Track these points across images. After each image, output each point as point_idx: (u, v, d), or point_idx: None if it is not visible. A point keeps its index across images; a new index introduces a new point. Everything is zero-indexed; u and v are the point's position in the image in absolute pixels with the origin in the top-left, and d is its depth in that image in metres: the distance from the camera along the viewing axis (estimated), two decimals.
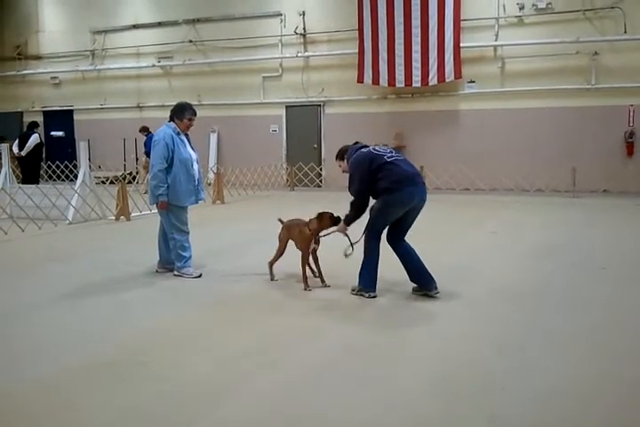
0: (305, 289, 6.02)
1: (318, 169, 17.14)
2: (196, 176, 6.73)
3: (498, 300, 5.68)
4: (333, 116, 17.24)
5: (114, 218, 11.12)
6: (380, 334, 4.79)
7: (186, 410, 3.45)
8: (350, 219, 5.72)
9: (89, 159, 11.60)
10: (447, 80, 15.55)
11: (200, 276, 6.65)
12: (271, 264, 6.46)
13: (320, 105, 17.47)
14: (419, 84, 15.74)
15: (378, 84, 16.06)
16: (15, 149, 14.38)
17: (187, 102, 6.88)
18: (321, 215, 6.02)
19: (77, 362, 4.21)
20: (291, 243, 6.35)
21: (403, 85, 15.83)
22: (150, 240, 7.20)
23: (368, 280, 5.74)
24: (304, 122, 17.68)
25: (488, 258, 7.56)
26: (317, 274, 6.24)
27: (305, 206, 12.60)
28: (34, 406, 3.54)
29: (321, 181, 17.18)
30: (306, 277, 6.11)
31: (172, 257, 6.72)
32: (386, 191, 5.46)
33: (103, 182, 14.48)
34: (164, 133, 6.55)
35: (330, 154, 17.04)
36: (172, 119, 6.72)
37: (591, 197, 13.74)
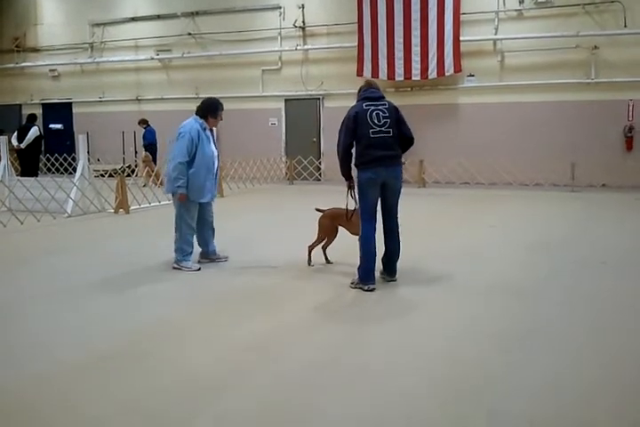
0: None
1: (317, 162, 17.13)
2: (215, 174, 6.77)
3: (496, 294, 5.69)
4: (333, 109, 17.17)
5: (113, 211, 11.12)
6: (378, 329, 4.80)
7: (185, 405, 3.45)
8: (343, 172, 5.93)
9: (88, 152, 11.58)
10: (447, 74, 15.53)
11: (199, 269, 6.66)
12: (310, 250, 6.73)
13: (319, 98, 17.44)
14: (418, 78, 15.73)
15: (377, 77, 15.99)
16: (14, 141, 14.35)
17: (215, 98, 6.86)
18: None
19: (76, 356, 4.21)
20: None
21: (402, 79, 15.82)
22: (149, 233, 7.21)
23: (364, 272, 5.77)
24: (303, 115, 17.65)
25: (487, 252, 7.57)
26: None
27: (305, 200, 12.61)
28: (32, 401, 3.53)
29: (320, 175, 17.16)
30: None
31: (174, 248, 6.75)
32: (357, 167, 5.78)
33: (102, 175, 14.47)
34: (190, 127, 6.54)
35: (329, 147, 17.04)
36: (203, 116, 6.67)
37: (590, 191, 13.74)
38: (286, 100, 17.81)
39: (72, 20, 20.20)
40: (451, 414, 3.34)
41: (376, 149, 5.67)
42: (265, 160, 16.50)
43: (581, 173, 13.95)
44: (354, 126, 5.69)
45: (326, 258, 6.78)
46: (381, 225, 5.98)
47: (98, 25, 19.79)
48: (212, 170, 6.69)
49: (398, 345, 4.41)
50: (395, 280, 6.02)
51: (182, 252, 6.68)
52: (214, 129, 6.96)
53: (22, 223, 9.66)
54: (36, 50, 20.92)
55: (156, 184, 14.48)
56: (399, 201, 5.97)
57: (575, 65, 14.72)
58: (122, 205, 11.13)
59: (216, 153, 6.77)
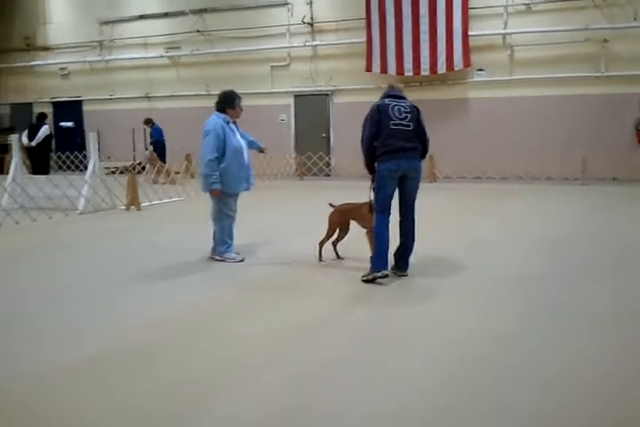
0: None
1: (327, 158, 17.15)
2: (247, 163, 6.86)
3: (507, 288, 5.69)
4: (342, 105, 17.20)
5: (124, 208, 11.18)
6: (388, 325, 4.82)
7: (190, 404, 3.42)
8: (367, 164, 6.03)
9: (98, 149, 11.65)
10: (456, 68, 15.51)
11: (243, 260, 6.83)
12: (321, 245, 6.74)
13: (328, 94, 17.45)
14: (427, 73, 15.71)
15: (386, 72, 16.02)
16: (25, 139, 14.43)
17: (232, 90, 6.92)
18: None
19: (85, 352, 4.24)
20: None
21: (411, 74, 15.80)
22: (165, 228, 7.27)
23: (377, 258, 5.82)
24: (312, 111, 17.66)
25: (497, 246, 7.57)
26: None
27: (315, 196, 12.64)
28: (34, 400, 3.52)
29: (330, 171, 17.18)
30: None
31: (215, 241, 6.89)
32: (378, 159, 5.85)
33: (113, 173, 14.56)
34: (214, 124, 6.62)
35: (339, 143, 17.08)
36: (222, 110, 6.75)
37: (601, 185, 13.70)
38: (295, 97, 17.83)
39: (81, 18, 20.29)
40: (462, 411, 3.31)
41: (396, 140, 5.78)
42: (275, 156, 16.49)
43: (592, 166, 13.90)
44: (377, 117, 5.83)
45: (337, 253, 6.80)
46: (397, 220, 6.02)
47: (107, 23, 19.86)
48: (243, 161, 6.80)
49: (412, 340, 4.41)
50: (406, 275, 6.04)
51: (224, 244, 6.84)
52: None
53: (34, 220, 9.74)
54: (45, 48, 21.02)
55: (164, 182, 14.59)
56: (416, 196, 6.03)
57: (585, 59, 14.66)
58: (133, 201, 11.19)
59: (244, 144, 6.86)
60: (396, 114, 5.81)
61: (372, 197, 6.05)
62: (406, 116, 5.83)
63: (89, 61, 20.24)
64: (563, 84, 14.91)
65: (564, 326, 4.58)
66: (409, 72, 15.82)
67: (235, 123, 6.89)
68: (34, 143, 14.50)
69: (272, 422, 3.24)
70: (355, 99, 16.77)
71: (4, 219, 9.36)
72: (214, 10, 18.26)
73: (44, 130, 14.76)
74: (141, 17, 19.35)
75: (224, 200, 6.77)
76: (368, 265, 5.93)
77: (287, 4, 17.45)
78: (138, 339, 4.47)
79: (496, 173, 14.94)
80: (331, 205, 6.80)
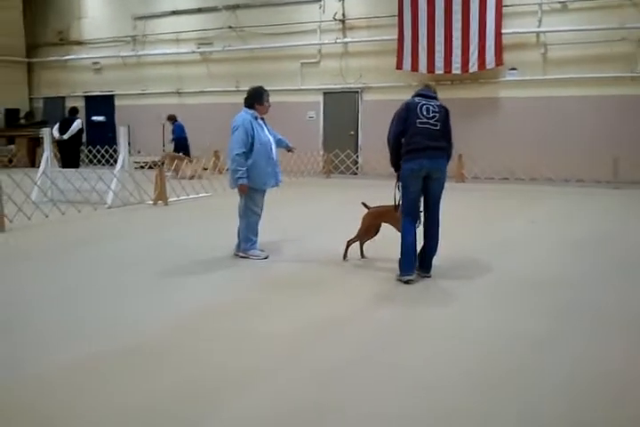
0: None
1: (355, 156, 17.09)
2: (275, 159, 6.86)
3: (529, 290, 5.60)
4: (371, 102, 17.13)
5: (152, 202, 11.26)
6: (409, 325, 4.77)
7: (206, 403, 3.41)
8: (392, 162, 6.01)
9: (128, 144, 11.74)
10: (488, 67, 15.33)
11: (267, 257, 6.82)
12: (348, 245, 6.71)
13: (358, 92, 17.37)
14: (459, 71, 15.54)
15: (417, 70, 15.90)
16: (56, 133, 14.57)
17: (260, 86, 6.93)
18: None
19: (96, 350, 4.24)
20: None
21: (442, 72, 15.65)
22: (187, 224, 7.31)
23: (401, 264, 5.82)
24: (341, 109, 17.60)
25: (526, 247, 7.46)
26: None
27: (341, 194, 12.61)
28: (35, 400, 3.50)
29: (357, 169, 17.13)
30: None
31: (239, 238, 6.90)
32: (402, 157, 5.84)
33: (142, 167, 14.67)
34: (242, 119, 6.64)
35: (367, 141, 17.01)
36: (250, 106, 6.76)
37: (633, 188, 13.43)
38: (325, 94, 17.79)
39: (115, 13, 20.49)
40: (479, 414, 3.28)
41: (422, 139, 5.74)
42: (302, 153, 16.49)
43: (624, 169, 13.63)
44: (405, 115, 5.81)
45: (362, 252, 6.76)
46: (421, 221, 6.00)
47: (140, 18, 20.02)
48: (271, 156, 6.80)
49: (431, 340, 4.38)
50: (429, 276, 5.99)
51: (248, 240, 6.84)
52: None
53: (64, 214, 9.84)
54: (79, 43, 21.28)
55: (192, 176, 14.72)
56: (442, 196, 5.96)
57: (620, 58, 14.37)
58: (161, 196, 11.26)
59: (272, 139, 6.86)
60: (424, 113, 5.78)
61: (398, 197, 6.00)
62: (434, 116, 5.79)
63: (122, 56, 20.43)
64: (597, 84, 14.64)
65: (585, 328, 4.50)
66: (440, 70, 15.66)
67: (263, 119, 6.88)
68: (66, 136, 14.64)
69: (288, 419, 3.23)
70: (384, 97, 16.66)
71: (34, 212, 9.48)
72: (247, 6, 18.30)
73: (77, 124, 14.88)
74: (174, 13, 19.46)
75: (251, 196, 6.76)
76: (394, 265, 5.91)
77: (319, 0, 17.41)
78: (150, 337, 4.47)
79: (525, 174, 14.74)
80: (364, 204, 6.75)
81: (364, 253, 6.77)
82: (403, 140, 5.85)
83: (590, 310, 5.00)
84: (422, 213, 5.99)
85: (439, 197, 5.95)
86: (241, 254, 6.88)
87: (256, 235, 6.90)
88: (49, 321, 4.81)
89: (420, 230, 5.95)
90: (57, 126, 14.68)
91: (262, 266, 6.60)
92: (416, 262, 5.89)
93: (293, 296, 5.50)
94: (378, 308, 5.20)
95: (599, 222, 9.26)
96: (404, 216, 5.89)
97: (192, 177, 14.87)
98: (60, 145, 14.68)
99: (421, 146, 5.72)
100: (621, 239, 7.98)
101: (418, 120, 5.76)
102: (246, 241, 6.86)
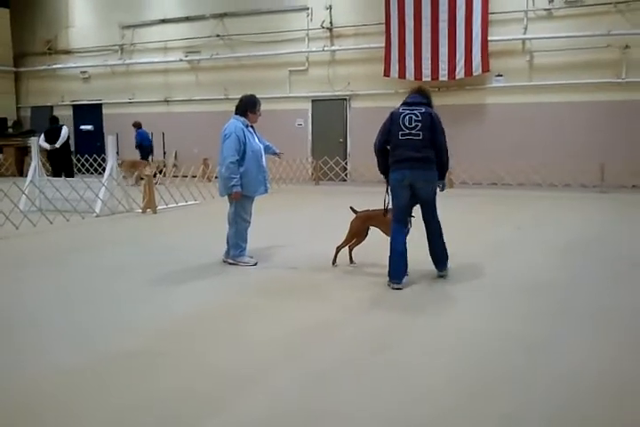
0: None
1: (343, 163, 17.14)
2: (265, 166, 6.92)
3: (519, 295, 5.63)
4: (359, 110, 17.21)
5: (140, 211, 11.24)
6: (399, 327, 4.78)
7: (195, 407, 3.42)
8: (379, 169, 6.16)
9: (117, 153, 11.72)
10: (474, 74, 15.45)
11: (256, 264, 6.83)
12: (338, 250, 6.74)
13: (346, 99, 17.45)
14: (446, 78, 15.65)
15: (404, 77, 16.00)
16: (44, 144, 14.45)
17: (252, 95, 6.96)
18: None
19: (93, 354, 4.24)
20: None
21: (429, 79, 15.74)
22: (176, 231, 7.30)
23: (390, 271, 5.85)
24: (330, 116, 17.68)
25: (513, 252, 7.50)
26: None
27: (330, 200, 12.63)
28: (35, 402, 3.53)
29: (346, 175, 17.17)
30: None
31: (229, 244, 6.91)
32: (389, 166, 5.97)
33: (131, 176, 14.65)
34: (234, 127, 6.67)
35: (355, 148, 17.06)
36: (242, 113, 6.80)
37: (620, 192, 13.54)
38: (313, 101, 17.86)
39: (102, 22, 20.50)
40: (465, 415, 3.29)
41: (403, 151, 5.80)
42: (291, 160, 16.54)
43: (611, 174, 13.75)
44: (389, 127, 5.91)
45: (351, 258, 6.78)
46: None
47: (128, 27, 20.04)
48: (262, 164, 6.85)
49: (416, 344, 4.39)
50: (442, 276, 6.13)
51: (238, 247, 6.85)
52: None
53: (52, 223, 9.81)
54: (67, 52, 21.27)
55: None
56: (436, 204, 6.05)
57: (606, 65, 14.53)
58: (149, 204, 11.24)
59: (262, 147, 6.92)
60: (406, 124, 5.80)
61: (389, 202, 6.06)
62: (416, 126, 5.78)
63: (110, 65, 20.45)
64: (583, 90, 14.79)
65: (577, 330, 4.53)
66: (427, 77, 15.76)
67: (252, 127, 6.91)
68: (58, 144, 14.55)
69: (283, 421, 3.25)
70: (372, 104, 16.77)
71: (22, 221, 9.44)
72: (234, 14, 18.36)
73: (65, 131, 14.81)
74: (162, 21, 19.51)
75: (242, 203, 6.78)
76: (383, 270, 5.94)
77: (307, 8, 17.50)
78: (145, 342, 4.47)
79: (513, 179, 14.83)
80: (352, 209, 6.79)
81: (353, 258, 6.78)
82: (389, 147, 5.92)
83: (585, 312, 5.04)
84: (413, 219, 6.08)
85: (431, 204, 6.00)
86: (230, 261, 6.89)
87: (245, 242, 6.91)
88: (44, 327, 4.80)
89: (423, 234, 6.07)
90: (42, 138, 14.39)
91: (251, 272, 6.61)
92: (406, 269, 5.88)
93: (284, 302, 5.51)
94: (369, 312, 5.21)
95: (588, 226, 9.32)
96: (393, 222, 5.95)
97: (138, 181, 14.96)
98: (51, 155, 14.55)
99: (402, 157, 5.81)
100: (611, 242, 8.04)
101: (400, 132, 5.80)
102: (235, 248, 6.87)
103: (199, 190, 12.76)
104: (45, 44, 21.37)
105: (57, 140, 14.41)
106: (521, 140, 15.35)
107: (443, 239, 6.09)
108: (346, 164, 17.22)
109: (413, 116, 5.80)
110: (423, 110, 5.86)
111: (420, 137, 5.77)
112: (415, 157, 5.77)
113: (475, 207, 11.77)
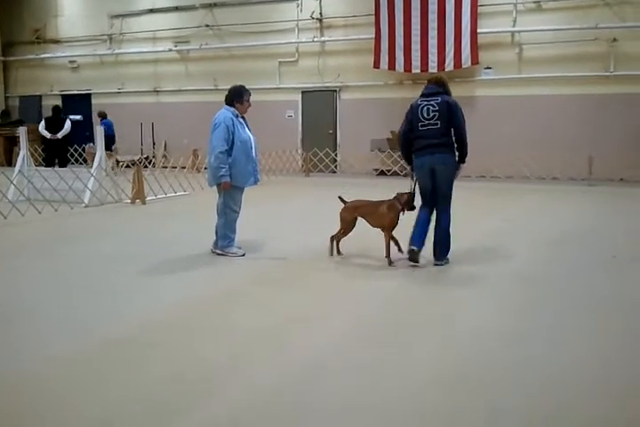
0: (390, 264, 6.39)
1: (333, 155, 17.14)
2: (255, 157, 6.92)
3: (518, 285, 5.72)
4: (349, 101, 17.20)
5: (129, 201, 11.23)
6: (390, 319, 4.84)
7: (186, 395, 3.45)
8: (403, 157, 6.69)
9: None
10: (464, 66, 15.47)
11: (244, 255, 6.86)
12: (332, 240, 6.78)
13: (336, 90, 17.43)
14: (435, 70, 15.62)
15: (394, 69, 16.02)
16: (45, 132, 14.44)
17: (241, 85, 6.97)
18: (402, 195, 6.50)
19: (83, 347, 4.29)
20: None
21: (419, 71, 15.75)
22: (164, 222, 7.32)
23: (411, 235, 6.26)
24: (320, 107, 17.66)
25: (500, 245, 7.57)
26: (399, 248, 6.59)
27: (320, 192, 12.66)
28: (32, 396, 3.55)
29: (336, 167, 17.19)
30: (389, 252, 6.43)
31: (217, 235, 6.94)
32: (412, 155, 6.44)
33: (128, 166, 14.60)
34: (224, 117, 6.70)
35: (345, 139, 17.08)
36: (230, 104, 6.82)
37: (607, 185, 13.65)
38: (303, 92, 17.83)
39: (91, 11, 20.35)
40: (452, 409, 3.31)
41: (423, 140, 6.25)
42: (281, 152, 16.55)
43: (599, 167, 13.83)
44: (410, 117, 6.33)
45: (338, 249, 6.81)
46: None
47: (117, 17, 19.90)
48: (251, 155, 6.86)
49: (416, 335, 4.43)
50: (440, 264, 6.35)
51: (226, 238, 6.88)
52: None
53: (40, 213, 9.79)
54: (56, 41, 21.10)
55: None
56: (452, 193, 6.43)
57: (594, 58, 14.59)
58: (138, 195, 11.24)
59: (253, 138, 6.93)
60: (425, 115, 6.20)
61: (414, 187, 6.44)
62: (434, 115, 6.17)
63: (99, 55, 20.31)
64: (571, 83, 14.85)
65: (577, 320, 4.60)
66: (416, 69, 15.78)
67: (244, 118, 6.92)
68: (60, 136, 14.53)
69: (274, 409, 3.29)
70: (362, 95, 16.79)
71: (11, 211, 9.42)
72: (224, 4, 18.28)
73: (69, 124, 14.84)
74: (151, 11, 19.38)
75: (231, 194, 6.81)
76: (372, 262, 6.01)
77: None
78: (135, 333, 4.51)
79: (501, 172, 14.90)
80: (340, 198, 6.82)
81: (340, 249, 6.82)
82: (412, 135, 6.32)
83: (583, 302, 5.12)
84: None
85: (445, 189, 6.37)
86: (218, 252, 6.92)
87: (234, 232, 6.94)
88: (35, 316, 4.84)
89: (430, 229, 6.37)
90: (43, 124, 14.50)
91: (240, 263, 6.64)
92: (425, 237, 6.27)
93: (273, 292, 5.56)
94: (359, 303, 5.25)
95: (578, 218, 9.40)
96: (420, 208, 6.41)
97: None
98: (50, 144, 14.52)
99: (423, 145, 6.24)
100: (602, 234, 8.16)
101: (420, 123, 6.22)
102: (224, 239, 6.90)
103: (188, 181, 12.76)
104: (34, 33, 21.17)
105: (59, 130, 14.44)
106: (509, 132, 15.40)
107: (449, 233, 6.36)
108: (336, 155, 17.23)
109: (430, 107, 6.20)
110: (439, 100, 6.23)
111: (439, 126, 6.20)
112: (434, 143, 6.20)
113: (461, 200, 11.77)
